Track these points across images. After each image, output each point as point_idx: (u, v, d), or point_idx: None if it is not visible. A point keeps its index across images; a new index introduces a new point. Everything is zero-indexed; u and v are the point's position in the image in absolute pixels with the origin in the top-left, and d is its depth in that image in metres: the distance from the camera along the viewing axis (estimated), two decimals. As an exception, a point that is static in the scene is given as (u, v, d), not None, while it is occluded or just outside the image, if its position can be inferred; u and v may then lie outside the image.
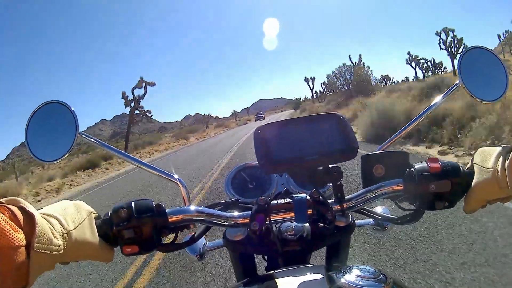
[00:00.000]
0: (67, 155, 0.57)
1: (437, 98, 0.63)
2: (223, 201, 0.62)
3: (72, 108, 0.59)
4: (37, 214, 0.37)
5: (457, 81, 0.61)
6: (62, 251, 0.39)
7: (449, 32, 26.13)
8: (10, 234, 0.32)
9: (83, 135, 0.58)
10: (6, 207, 0.35)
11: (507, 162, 0.42)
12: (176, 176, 0.61)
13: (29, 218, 0.36)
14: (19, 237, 0.33)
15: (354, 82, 24.45)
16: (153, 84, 23.36)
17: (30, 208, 0.37)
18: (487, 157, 0.46)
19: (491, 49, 0.62)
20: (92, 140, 0.59)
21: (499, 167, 0.43)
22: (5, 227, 0.32)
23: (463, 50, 0.62)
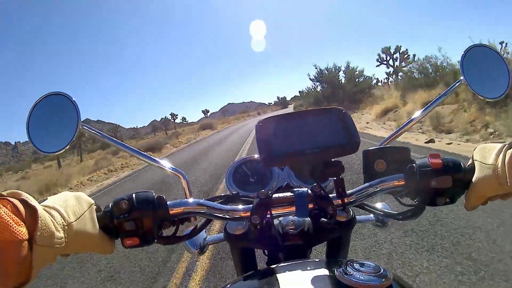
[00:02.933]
0: (68, 146, 0.57)
1: (440, 95, 0.63)
2: (224, 194, 0.62)
3: (74, 99, 0.58)
4: (39, 207, 0.36)
5: (460, 78, 0.61)
6: (63, 244, 0.39)
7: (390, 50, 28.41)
8: (12, 227, 0.32)
9: (85, 127, 0.58)
10: (8, 200, 0.35)
11: (507, 159, 0.42)
12: (177, 169, 0.61)
13: (31, 211, 0.36)
14: (22, 231, 0.33)
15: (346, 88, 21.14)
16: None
17: (32, 201, 0.36)
18: (487, 154, 0.47)
19: (493, 47, 0.62)
20: (94, 131, 0.59)
21: (499, 163, 0.43)
22: (7, 220, 0.32)
23: (466, 48, 0.62)
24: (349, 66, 21.65)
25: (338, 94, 20.79)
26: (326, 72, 22.36)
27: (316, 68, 23.07)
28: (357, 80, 20.81)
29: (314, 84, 23.82)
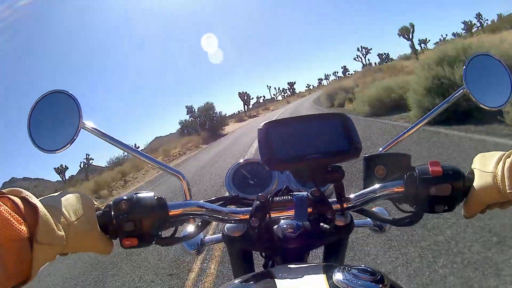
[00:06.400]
0: (70, 145, 0.57)
1: (441, 103, 0.64)
2: (223, 196, 0.62)
3: (76, 98, 0.58)
4: (40, 205, 0.36)
5: (463, 87, 0.61)
6: (64, 243, 0.39)
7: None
8: (13, 226, 0.32)
9: (87, 126, 0.58)
10: (8, 197, 0.34)
11: (506, 166, 0.42)
12: (178, 170, 0.61)
13: (32, 209, 0.35)
14: (23, 229, 0.33)
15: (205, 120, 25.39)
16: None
17: (33, 199, 0.36)
18: (487, 162, 0.47)
19: (497, 56, 0.62)
20: (95, 131, 0.59)
21: (499, 171, 0.43)
22: (8, 218, 0.32)
23: (468, 57, 0.62)
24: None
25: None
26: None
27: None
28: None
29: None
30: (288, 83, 79.18)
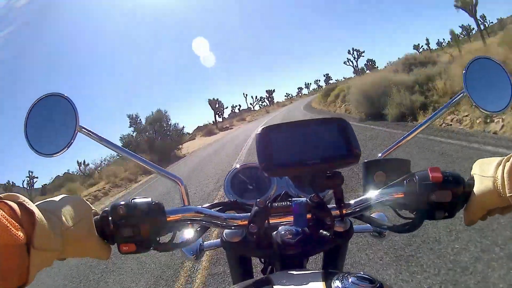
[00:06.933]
0: (67, 149, 0.56)
1: (441, 107, 0.63)
2: (222, 201, 0.61)
3: (72, 101, 0.58)
4: (36, 211, 0.36)
5: (463, 90, 0.60)
6: (61, 248, 0.39)
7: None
8: (11, 231, 0.32)
9: (83, 129, 0.57)
10: (5, 202, 0.34)
11: (506, 170, 0.42)
12: (175, 175, 0.61)
13: (29, 214, 0.35)
14: (20, 235, 0.32)
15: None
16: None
17: (30, 204, 0.36)
18: (486, 167, 0.47)
19: (497, 59, 0.61)
20: (92, 134, 0.59)
21: (499, 175, 0.43)
22: (5, 224, 0.31)
23: (469, 60, 0.62)
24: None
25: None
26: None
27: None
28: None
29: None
30: (266, 91, 72.04)
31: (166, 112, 20.28)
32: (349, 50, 41.75)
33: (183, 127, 20.17)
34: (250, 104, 69.84)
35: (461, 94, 0.61)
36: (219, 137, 24.18)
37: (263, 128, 0.51)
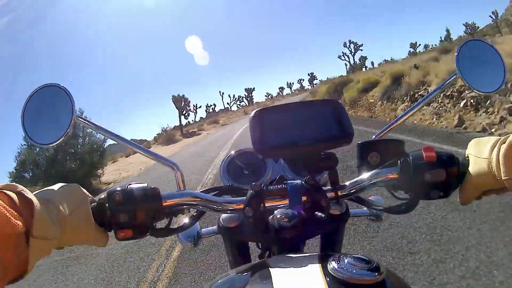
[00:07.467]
0: (63, 138, 0.57)
1: (434, 89, 0.64)
2: (218, 186, 0.62)
3: (69, 91, 0.59)
4: (35, 200, 0.36)
5: (456, 72, 0.61)
6: (59, 236, 0.39)
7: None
8: (10, 220, 0.32)
9: (80, 118, 0.58)
10: (4, 192, 0.34)
11: (501, 152, 0.42)
12: (171, 160, 0.61)
13: (27, 204, 0.35)
14: (19, 224, 0.33)
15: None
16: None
17: (28, 193, 0.36)
18: (481, 148, 0.46)
19: (489, 41, 0.62)
20: (88, 123, 0.59)
21: (494, 157, 0.43)
22: (5, 213, 0.32)
23: (461, 42, 0.62)
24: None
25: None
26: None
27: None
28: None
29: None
30: (245, 89, 64.19)
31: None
32: (344, 42, 36.46)
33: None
34: (227, 103, 61.79)
35: (454, 76, 0.61)
36: (183, 145, 17.35)
37: (257, 110, 0.52)
